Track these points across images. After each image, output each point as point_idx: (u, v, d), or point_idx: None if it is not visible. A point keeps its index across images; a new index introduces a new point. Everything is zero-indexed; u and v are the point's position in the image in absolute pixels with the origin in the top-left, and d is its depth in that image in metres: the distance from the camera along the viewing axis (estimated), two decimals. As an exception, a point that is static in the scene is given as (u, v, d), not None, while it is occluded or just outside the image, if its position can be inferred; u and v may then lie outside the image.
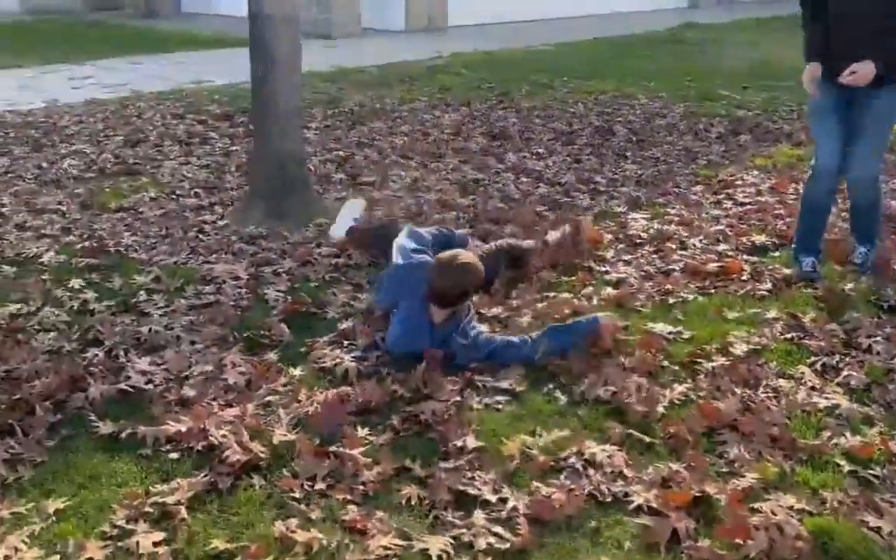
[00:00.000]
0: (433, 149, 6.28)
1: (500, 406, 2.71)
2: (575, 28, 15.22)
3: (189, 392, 2.74)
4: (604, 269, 3.90)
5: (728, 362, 2.97)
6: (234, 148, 6.25)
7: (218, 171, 5.62)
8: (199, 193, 5.11)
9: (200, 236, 4.34)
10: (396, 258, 3.31)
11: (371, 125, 7.10)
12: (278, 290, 3.62)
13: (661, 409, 2.66)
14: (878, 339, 3.12)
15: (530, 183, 5.40)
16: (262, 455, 2.39)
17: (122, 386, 2.78)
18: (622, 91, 8.80)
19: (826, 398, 2.74)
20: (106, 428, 2.54)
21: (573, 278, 3.76)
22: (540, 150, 6.28)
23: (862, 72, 3.31)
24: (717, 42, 13.76)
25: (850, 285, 3.63)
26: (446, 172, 5.62)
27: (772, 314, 3.36)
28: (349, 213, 4.24)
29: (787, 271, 3.79)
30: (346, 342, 3.13)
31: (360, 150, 6.22)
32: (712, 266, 3.84)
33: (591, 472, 2.35)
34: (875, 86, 3.36)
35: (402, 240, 3.42)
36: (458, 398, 2.72)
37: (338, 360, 2.95)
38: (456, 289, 2.97)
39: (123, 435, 2.50)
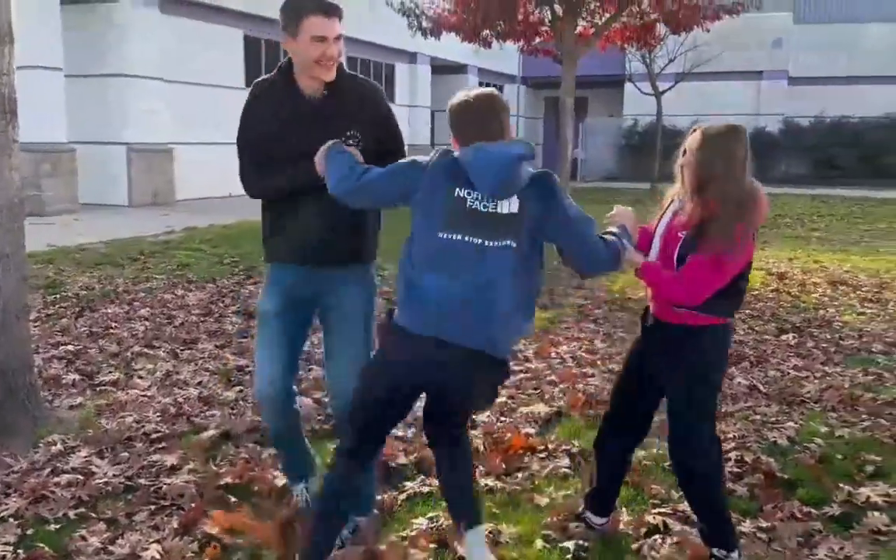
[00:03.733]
0: (183, 334, 5.66)
1: None
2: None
3: None
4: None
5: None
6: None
7: None
8: None
9: None
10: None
11: (104, 311, 6.28)
12: (4, 544, 2.80)
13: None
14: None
15: (302, 366, 4.95)
16: None
17: None
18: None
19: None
20: None
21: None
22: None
23: None
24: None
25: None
26: (203, 361, 5.04)
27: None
28: None
29: (577, 443, 3.79)
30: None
31: (93, 342, 5.41)
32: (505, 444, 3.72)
33: None
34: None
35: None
36: None
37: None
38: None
39: None
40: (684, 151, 2.66)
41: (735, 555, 2.69)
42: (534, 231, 2.35)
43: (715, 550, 2.70)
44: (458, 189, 2.35)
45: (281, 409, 2.80)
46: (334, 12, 2.58)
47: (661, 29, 13.22)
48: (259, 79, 2.87)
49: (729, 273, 2.53)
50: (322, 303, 2.78)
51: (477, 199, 2.33)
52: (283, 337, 2.74)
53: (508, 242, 2.31)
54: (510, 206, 2.32)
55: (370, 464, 2.67)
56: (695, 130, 2.65)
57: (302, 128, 2.65)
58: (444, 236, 2.33)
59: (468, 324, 2.31)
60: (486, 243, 2.31)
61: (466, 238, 2.32)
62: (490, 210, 2.32)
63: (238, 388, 4.48)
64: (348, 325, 2.75)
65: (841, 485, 3.33)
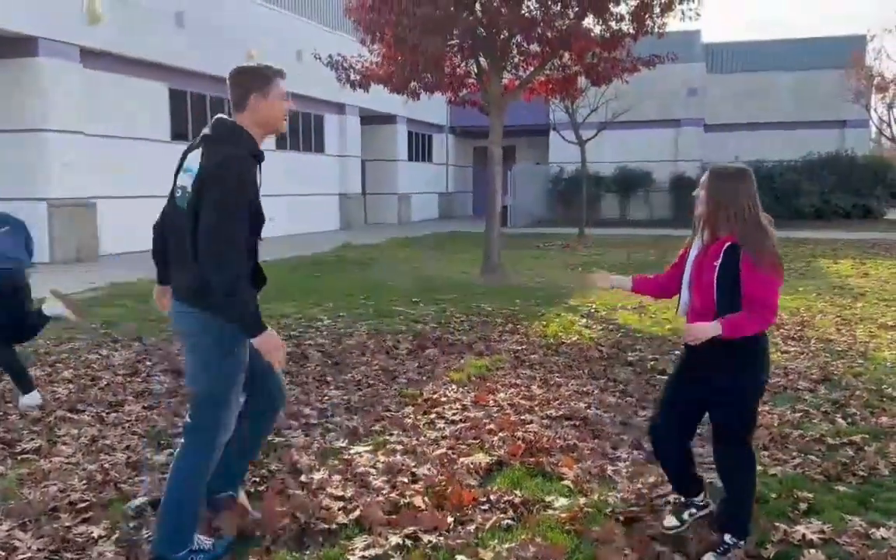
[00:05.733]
0: (109, 396, 5.44)
1: None
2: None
3: None
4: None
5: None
6: None
7: None
8: None
9: None
10: None
11: (23, 374, 5.98)
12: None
13: None
14: None
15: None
16: None
17: None
18: (304, 313, 8.74)
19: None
20: None
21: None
22: (234, 385, 5.78)
23: None
24: (378, 260, 14.63)
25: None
26: (131, 424, 4.84)
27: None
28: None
29: (519, 493, 3.78)
30: None
31: (14, 408, 5.15)
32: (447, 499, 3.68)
33: None
34: None
35: None
36: None
37: None
38: None
39: None
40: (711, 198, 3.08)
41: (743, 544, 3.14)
42: None
43: (727, 537, 3.15)
44: None
45: None
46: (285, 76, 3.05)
47: (582, 81, 13.64)
48: (238, 148, 2.93)
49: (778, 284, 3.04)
50: None
51: None
52: None
53: None
54: None
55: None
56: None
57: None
58: None
59: None
60: None
61: None
62: None
63: (168, 451, 4.31)
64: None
65: (776, 524, 3.40)
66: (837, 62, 26.36)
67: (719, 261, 2.98)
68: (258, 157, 2.97)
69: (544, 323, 8.41)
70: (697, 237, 3.20)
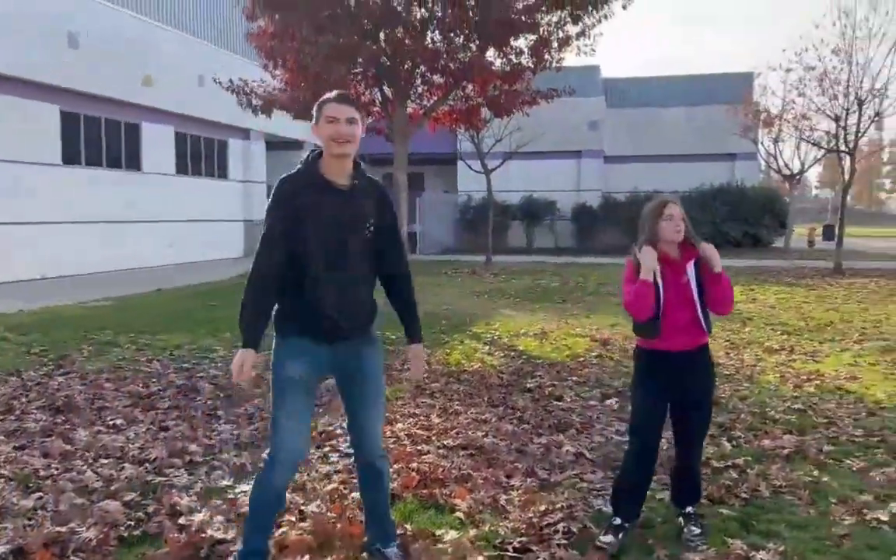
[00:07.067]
0: (-25, 437, 5.06)
1: None
2: (136, 280, 14.60)
3: None
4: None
5: None
6: None
7: None
8: None
9: None
10: None
11: None
12: None
13: None
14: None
15: (112, 465, 4.59)
16: None
17: None
18: (198, 344, 8.44)
19: None
20: None
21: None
22: (117, 421, 5.50)
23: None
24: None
25: None
26: (-2, 467, 4.51)
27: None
28: None
29: (410, 526, 3.70)
30: None
31: None
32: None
33: None
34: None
35: None
36: None
37: None
38: None
39: None
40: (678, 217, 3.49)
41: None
42: None
43: (690, 509, 3.69)
44: None
45: (295, 469, 3.24)
46: (344, 100, 3.06)
47: (486, 112, 13.87)
48: (292, 171, 3.11)
49: None
50: (344, 369, 3.15)
51: None
52: (309, 403, 3.11)
53: None
54: None
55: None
56: (672, 203, 3.49)
57: (334, 205, 3.01)
58: None
59: None
60: None
61: None
62: None
63: (37, 495, 4.03)
64: (373, 385, 3.16)
65: (663, 550, 3.45)
66: (727, 98, 27.81)
67: (692, 274, 3.48)
68: (313, 182, 3.02)
69: (447, 351, 8.40)
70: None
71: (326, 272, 2.99)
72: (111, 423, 5.48)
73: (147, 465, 4.61)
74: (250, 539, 3.14)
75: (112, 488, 4.19)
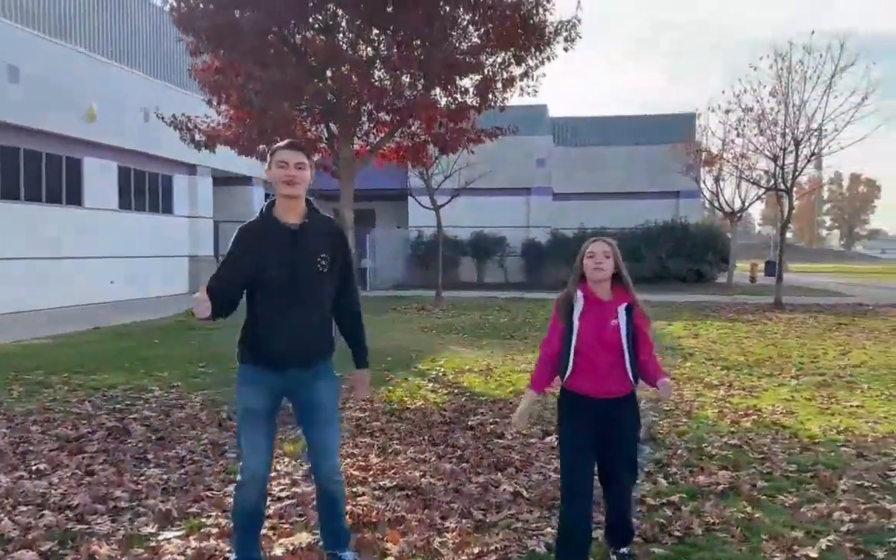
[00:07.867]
0: None
1: None
2: (76, 317, 14.19)
3: None
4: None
5: None
6: None
7: None
8: None
9: None
10: None
11: None
12: None
13: None
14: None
15: (31, 512, 4.38)
16: None
17: None
18: (133, 384, 8.21)
19: None
20: None
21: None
22: (41, 466, 5.28)
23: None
24: (225, 326, 14.06)
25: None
26: None
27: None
28: None
29: (340, 569, 3.61)
30: None
31: None
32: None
33: None
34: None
35: None
36: None
37: None
38: None
39: None
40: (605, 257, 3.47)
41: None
42: None
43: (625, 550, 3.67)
44: None
45: (263, 490, 3.49)
46: (293, 147, 3.38)
47: (432, 149, 13.94)
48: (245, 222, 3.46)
49: None
50: (296, 397, 3.42)
51: None
52: (270, 429, 3.40)
53: None
54: None
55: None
56: (598, 241, 3.52)
57: (284, 243, 3.31)
58: None
59: None
60: None
61: None
62: None
63: (-53, 547, 3.83)
64: (325, 412, 3.42)
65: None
66: (670, 137, 28.54)
67: (623, 319, 3.40)
68: (267, 225, 3.35)
69: (390, 388, 8.31)
70: (579, 302, 3.45)
71: (277, 305, 3.30)
72: (34, 467, 5.26)
73: (68, 511, 4.42)
74: (240, 550, 3.50)
75: (29, 537, 4.01)
